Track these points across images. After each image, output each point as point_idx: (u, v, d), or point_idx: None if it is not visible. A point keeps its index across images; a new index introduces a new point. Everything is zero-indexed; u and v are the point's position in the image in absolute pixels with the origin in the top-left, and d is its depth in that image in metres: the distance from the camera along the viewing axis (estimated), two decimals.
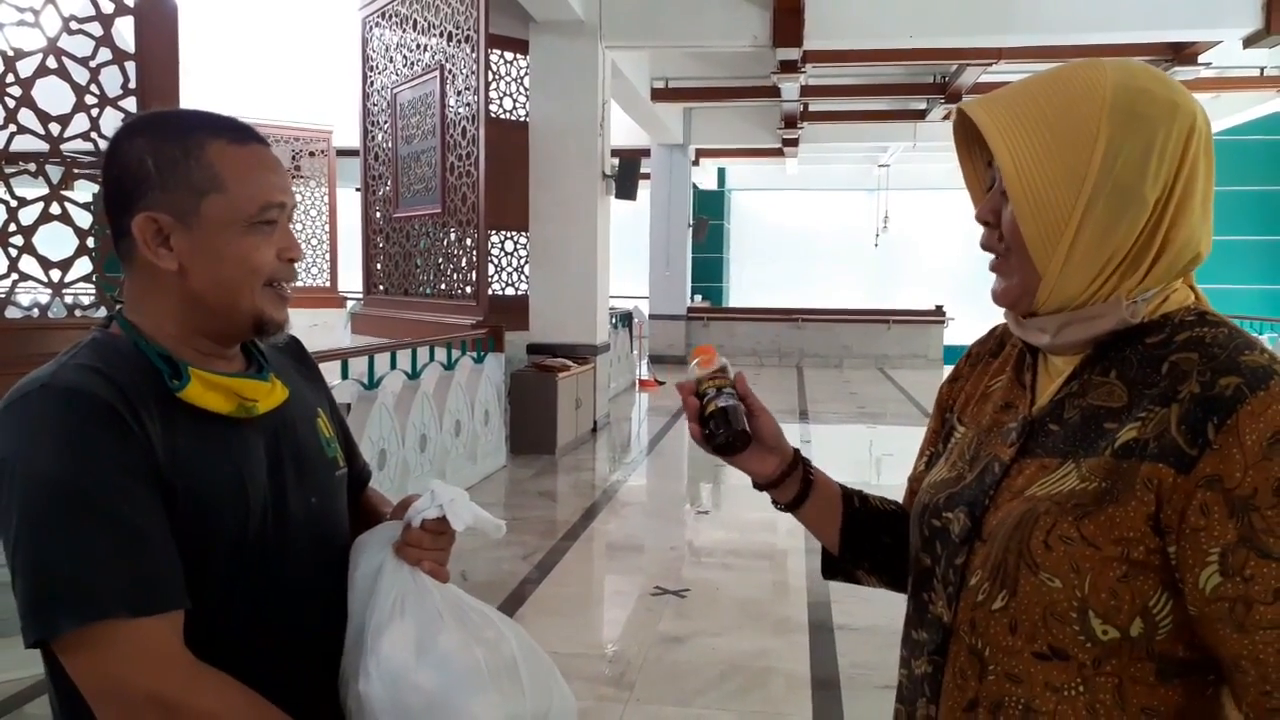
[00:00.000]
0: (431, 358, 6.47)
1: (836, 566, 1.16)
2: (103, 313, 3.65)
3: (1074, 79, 0.85)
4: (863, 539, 1.12)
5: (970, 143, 0.96)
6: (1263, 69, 10.99)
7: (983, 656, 0.87)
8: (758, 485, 1.12)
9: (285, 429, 1.10)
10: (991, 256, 0.93)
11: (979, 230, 0.94)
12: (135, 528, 0.92)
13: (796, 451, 1.12)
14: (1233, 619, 0.75)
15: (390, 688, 1.00)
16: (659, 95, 12.32)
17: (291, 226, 1.09)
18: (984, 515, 0.90)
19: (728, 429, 1.04)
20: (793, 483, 1.10)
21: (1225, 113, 12.60)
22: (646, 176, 14.33)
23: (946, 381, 1.10)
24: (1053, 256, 0.85)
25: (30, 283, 3.82)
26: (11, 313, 3.85)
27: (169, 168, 1.00)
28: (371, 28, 8.91)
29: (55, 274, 3.81)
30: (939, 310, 15.19)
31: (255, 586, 1.03)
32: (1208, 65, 10.02)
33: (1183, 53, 9.74)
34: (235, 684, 0.96)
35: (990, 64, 10.12)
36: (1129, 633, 0.80)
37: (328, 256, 12.98)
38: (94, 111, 3.80)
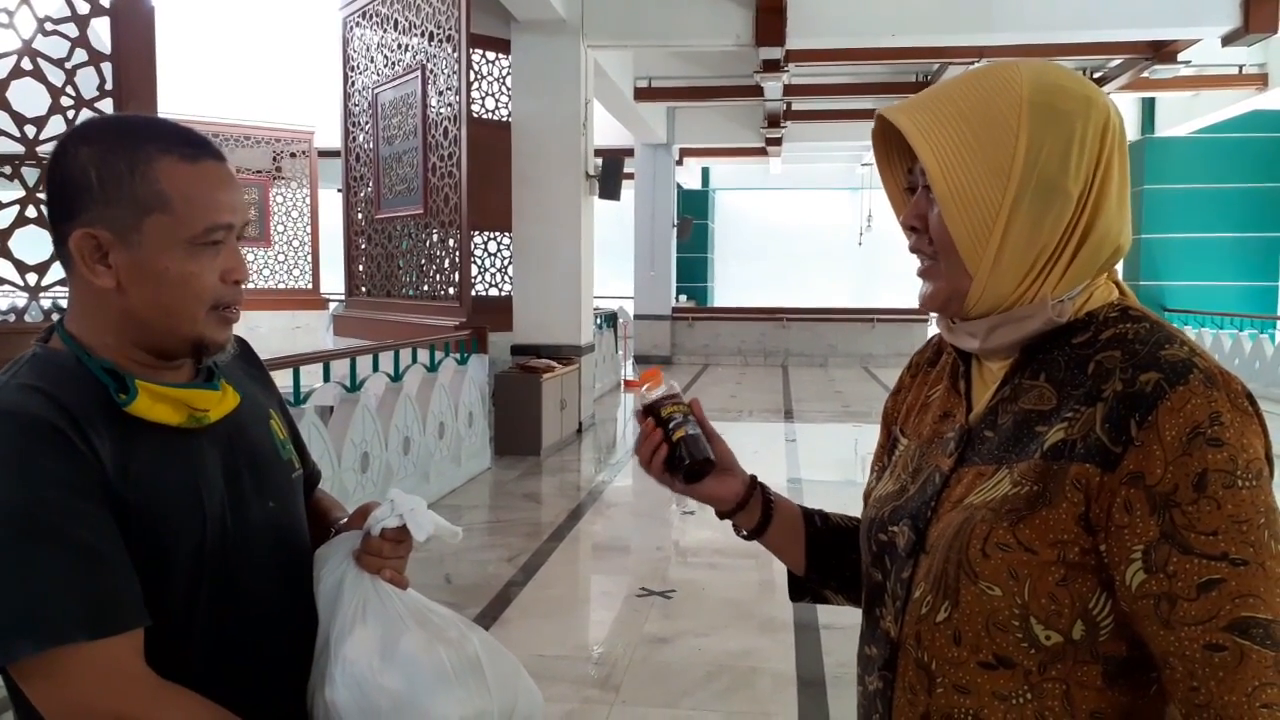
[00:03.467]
0: (414, 359, 6.44)
1: (804, 587, 1.16)
2: None
3: (989, 78, 0.86)
4: (828, 557, 1.12)
5: (890, 150, 0.96)
6: (1241, 67, 11.08)
7: (930, 670, 0.87)
8: (721, 514, 1.12)
9: (239, 434, 1.08)
10: (920, 263, 0.92)
11: None
12: (88, 548, 0.90)
13: (753, 476, 1.12)
14: (1159, 615, 0.76)
15: (356, 692, 1.00)
16: (642, 95, 12.31)
17: (257, 236, 1.06)
18: (927, 527, 0.90)
19: (694, 456, 1.05)
20: (754, 507, 1.11)
21: (1204, 111, 12.69)
22: (630, 176, 14.33)
23: (891, 394, 1.10)
24: (983, 255, 0.85)
25: (6, 286, 3.77)
26: None
27: (113, 182, 0.96)
28: (352, 28, 8.87)
29: (31, 277, 3.76)
30: (923, 309, 15.24)
31: (218, 597, 1.01)
32: (1187, 63, 10.10)
33: (1162, 51, 9.81)
34: (199, 699, 0.95)
35: (972, 63, 10.15)
36: (1071, 636, 0.80)
37: (309, 258, 12.91)
38: (70, 113, 3.75)
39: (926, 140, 0.84)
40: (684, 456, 1.04)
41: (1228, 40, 8.44)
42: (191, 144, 1.00)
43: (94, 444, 0.92)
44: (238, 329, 1.10)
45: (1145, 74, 10.37)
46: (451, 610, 1.11)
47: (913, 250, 0.92)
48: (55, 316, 4.02)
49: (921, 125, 0.85)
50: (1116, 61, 10.66)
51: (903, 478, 0.97)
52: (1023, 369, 0.88)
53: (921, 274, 0.92)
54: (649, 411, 1.07)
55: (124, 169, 0.96)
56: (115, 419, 0.95)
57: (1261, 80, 11.19)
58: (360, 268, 9.06)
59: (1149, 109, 14.16)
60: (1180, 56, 9.88)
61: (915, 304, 0.95)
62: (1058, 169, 0.82)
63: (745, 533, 1.13)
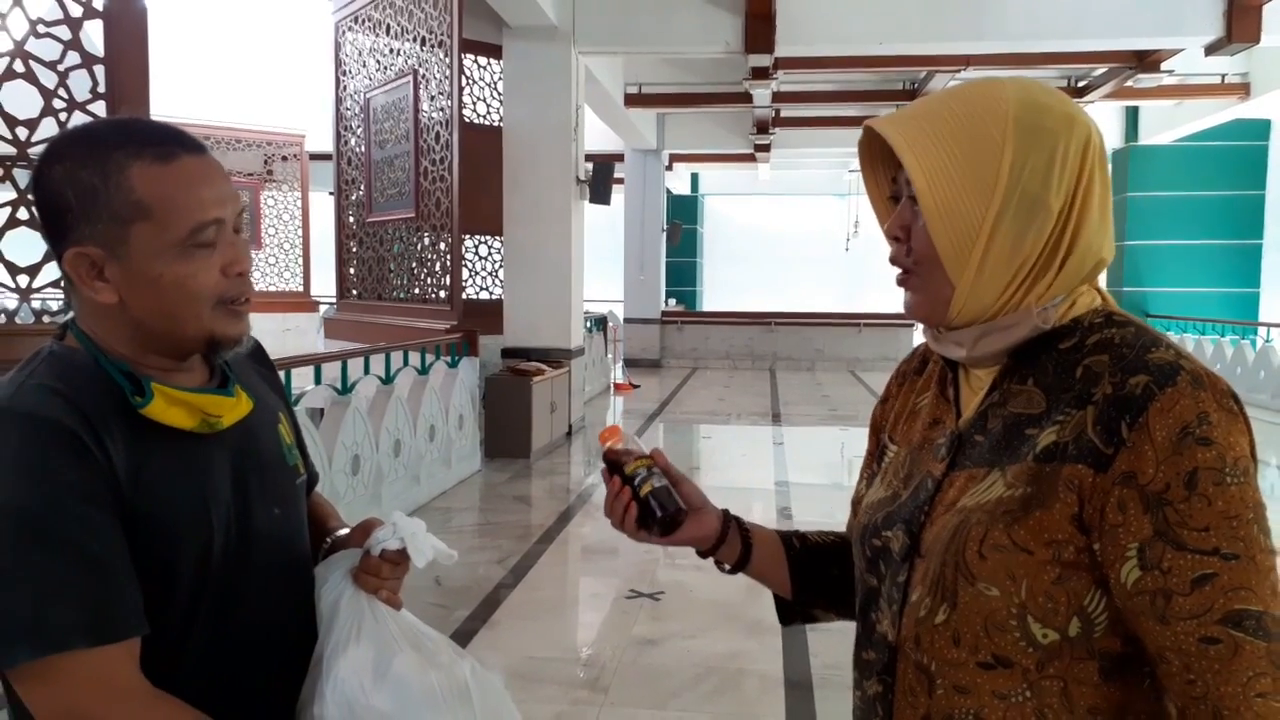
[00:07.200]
0: (405, 362, 6.45)
1: (793, 610, 1.18)
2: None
3: (976, 95, 0.88)
4: (813, 576, 1.14)
5: (875, 161, 0.98)
6: (1224, 76, 11.20)
7: (929, 671, 0.89)
8: (702, 553, 1.13)
9: (249, 440, 1.07)
10: (899, 271, 0.94)
11: None
12: (94, 556, 0.90)
13: (725, 510, 1.15)
14: (1154, 611, 0.78)
15: (345, 711, 1.00)
16: (632, 101, 12.35)
17: (241, 234, 1.02)
18: (921, 531, 0.91)
19: (666, 508, 1.06)
20: (734, 540, 1.13)
21: (1187, 119, 12.82)
22: (620, 181, 14.37)
23: (878, 403, 1.12)
24: (966, 267, 0.86)
25: None
26: None
27: (89, 199, 0.94)
28: (344, 32, 8.88)
29: (23, 279, 3.77)
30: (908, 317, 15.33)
31: (218, 605, 1.01)
32: (1170, 72, 10.21)
33: (1146, 60, 9.92)
34: (192, 711, 0.95)
35: (959, 70, 10.23)
36: (1067, 634, 0.82)
37: (300, 261, 12.90)
38: (62, 115, 3.77)
39: (914, 154, 0.86)
40: (655, 510, 1.05)
41: (1210, 50, 8.53)
42: (163, 143, 0.97)
43: (109, 450, 0.92)
44: None
45: (1129, 83, 10.47)
46: (443, 635, 1.13)
47: (892, 261, 0.94)
48: (46, 319, 4.03)
49: (910, 139, 0.87)
50: (1101, 70, 10.77)
51: (894, 484, 0.99)
52: (1010, 374, 0.90)
53: (900, 283, 0.94)
54: (613, 469, 1.08)
55: (97, 183, 0.94)
56: (129, 421, 0.95)
57: (1243, 89, 11.32)
58: (351, 271, 9.06)
59: (1132, 117, 14.27)
60: (1164, 66, 9.99)
61: (901, 309, 0.98)
62: (1040, 184, 0.84)
63: (728, 567, 1.14)
